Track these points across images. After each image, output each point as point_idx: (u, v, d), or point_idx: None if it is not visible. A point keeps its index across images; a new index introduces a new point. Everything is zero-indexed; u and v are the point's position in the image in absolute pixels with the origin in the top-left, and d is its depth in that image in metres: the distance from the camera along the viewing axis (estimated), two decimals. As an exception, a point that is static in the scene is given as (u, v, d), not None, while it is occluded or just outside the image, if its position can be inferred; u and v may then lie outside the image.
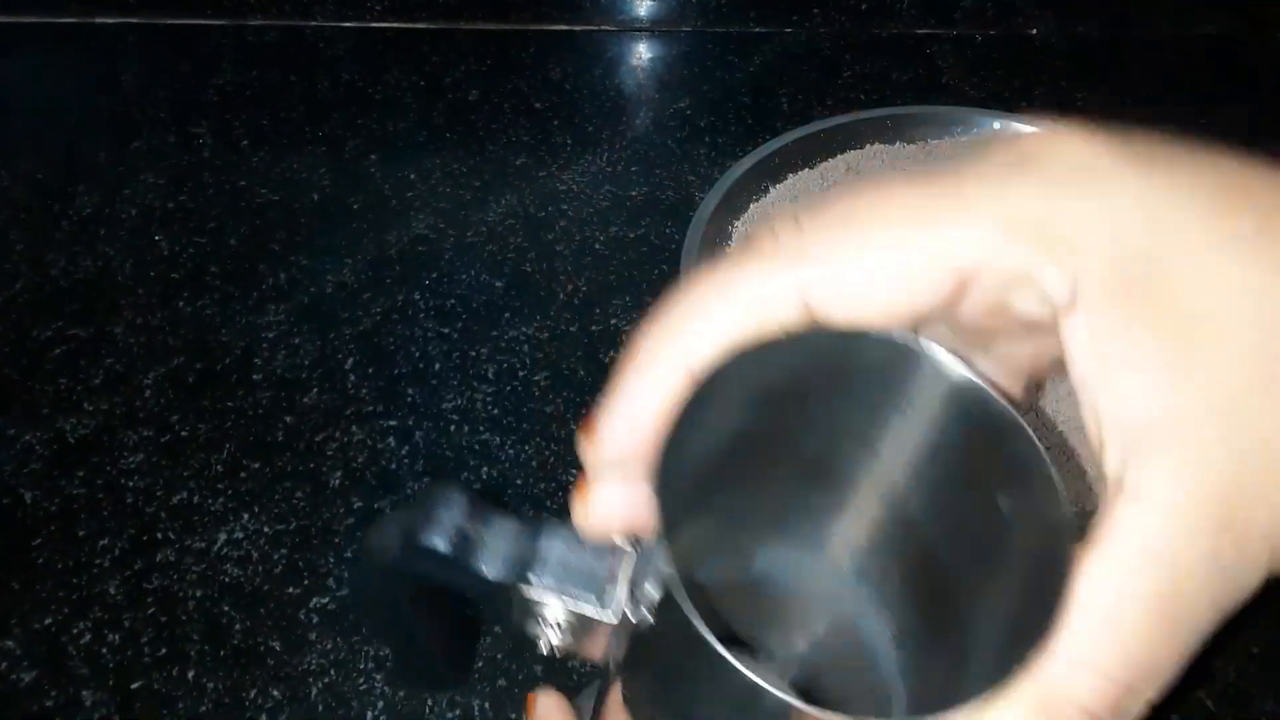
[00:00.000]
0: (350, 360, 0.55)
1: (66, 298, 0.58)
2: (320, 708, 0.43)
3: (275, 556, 0.47)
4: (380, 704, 0.43)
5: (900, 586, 0.26)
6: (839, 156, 0.62)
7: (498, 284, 0.59)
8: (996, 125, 0.63)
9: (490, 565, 0.23)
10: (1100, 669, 0.18)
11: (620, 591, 0.23)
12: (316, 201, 0.63)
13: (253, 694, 0.43)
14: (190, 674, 0.44)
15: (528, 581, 0.23)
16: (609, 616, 0.22)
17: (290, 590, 0.46)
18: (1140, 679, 0.19)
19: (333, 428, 0.52)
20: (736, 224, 0.58)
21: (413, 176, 0.64)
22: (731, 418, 0.23)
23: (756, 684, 0.18)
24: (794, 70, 0.73)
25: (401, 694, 0.43)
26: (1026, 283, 0.20)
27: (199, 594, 0.46)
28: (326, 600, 0.46)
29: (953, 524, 0.24)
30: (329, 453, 0.51)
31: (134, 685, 0.43)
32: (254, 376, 0.54)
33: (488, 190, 0.64)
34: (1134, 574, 0.18)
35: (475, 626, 0.40)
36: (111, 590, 0.46)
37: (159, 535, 0.48)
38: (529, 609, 0.23)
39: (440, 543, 0.23)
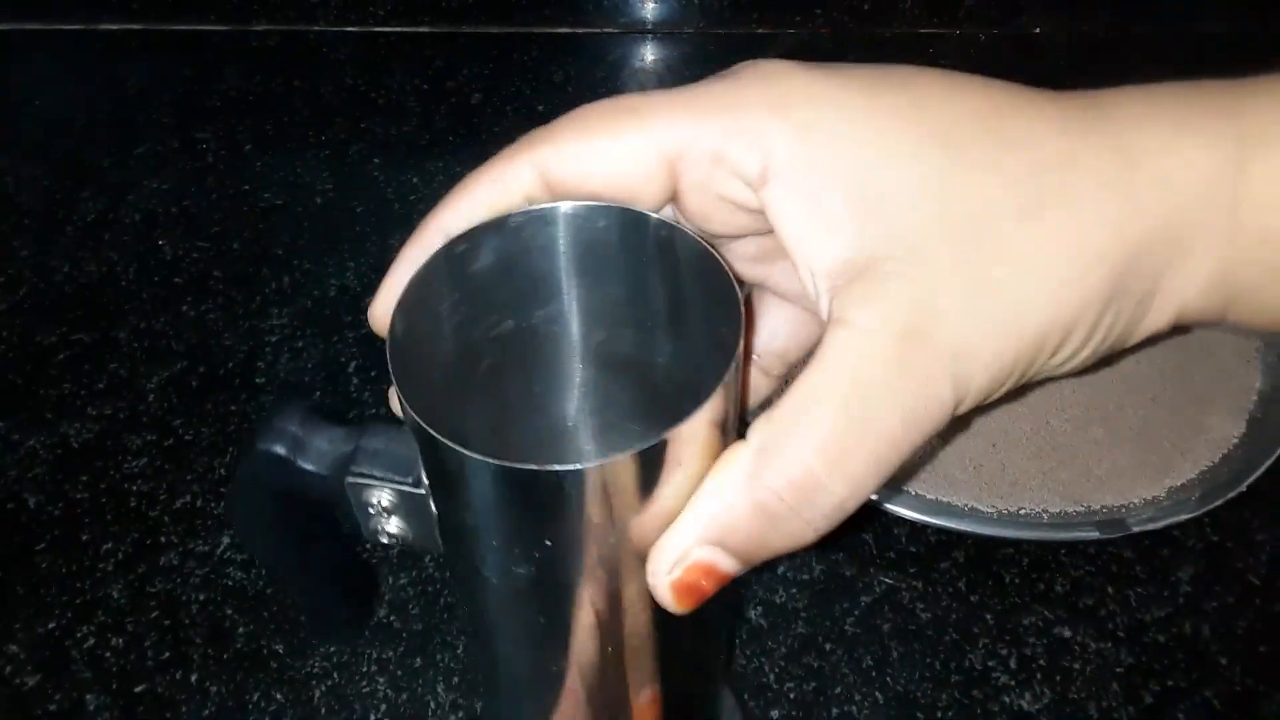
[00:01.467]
0: (353, 364, 0.55)
1: (71, 302, 0.58)
2: (323, 711, 0.43)
3: (278, 560, 0.47)
4: (383, 707, 0.43)
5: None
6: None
7: (501, 286, 0.59)
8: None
9: (319, 462, 0.26)
10: (789, 454, 0.22)
11: None
12: (320, 205, 0.63)
13: (256, 697, 0.43)
14: (194, 677, 0.44)
15: (351, 473, 0.26)
16: (420, 490, 0.26)
17: (293, 593, 0.46)
18: (829, 470, 0.22)
19: (336, 431, 0.52)
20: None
21: (416, 180, 0.64)
22: (483, 293, 0.27)
23: (498, 465, 0.21)
24: (797, 71, 0.73)
25: (404, 697, 0.43)
26: (724, 163, 0.24)
27: (202, 598, 0.46)
28: (329, 603, 0.46)
29: (684, 368, 0.29)
30: (332, 456, 0.51)
31: (138, 689, 0.43)
32: (257, 380, 0.54)
33: (491, 193, 0.64)
34: (827, 374, 0.22)
35: (368, 577, 0.44)
36: (115, 594, 0.46)
37: (162, 539, 0.48)
38: (361, 500, 0.26)
39: (277, 446, 0.26)
